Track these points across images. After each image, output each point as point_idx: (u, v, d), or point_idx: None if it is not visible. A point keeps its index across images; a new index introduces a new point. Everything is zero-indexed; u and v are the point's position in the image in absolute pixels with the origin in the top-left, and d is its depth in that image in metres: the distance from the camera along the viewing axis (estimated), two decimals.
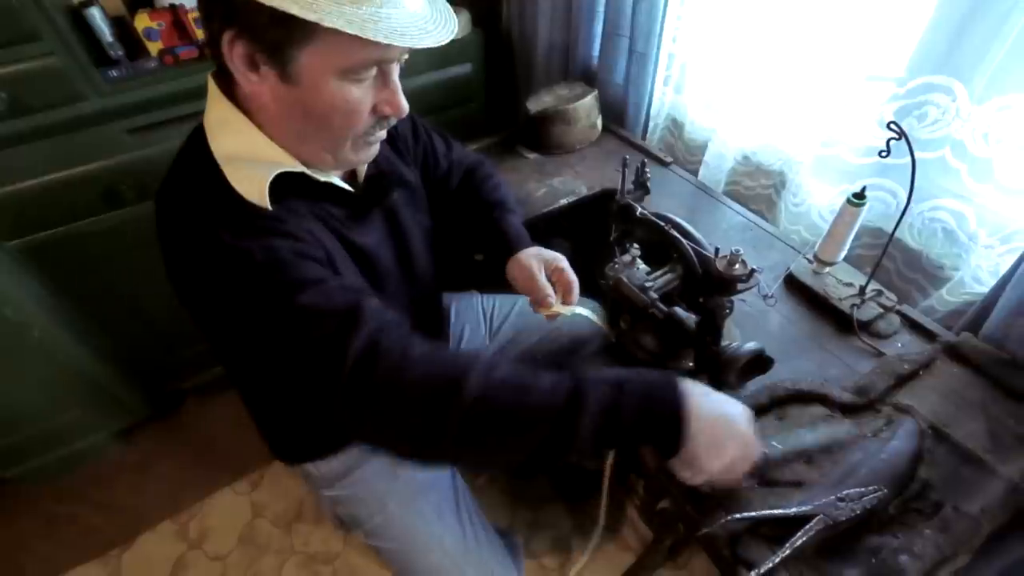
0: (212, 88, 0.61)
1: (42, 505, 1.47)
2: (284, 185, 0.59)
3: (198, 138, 0.61)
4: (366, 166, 0.72)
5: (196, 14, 1.19)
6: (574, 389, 0.52)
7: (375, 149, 0.65)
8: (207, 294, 0.57)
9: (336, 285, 0.56)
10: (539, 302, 0.77)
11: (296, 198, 0.61)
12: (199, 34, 1.20)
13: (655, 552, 1.14)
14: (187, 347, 1.51)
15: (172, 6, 1.19)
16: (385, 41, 0.50)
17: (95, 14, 1.12)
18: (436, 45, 0.54)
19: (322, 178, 0.63)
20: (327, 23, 0.47)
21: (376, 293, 0.70)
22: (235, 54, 0.52)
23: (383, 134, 0.64)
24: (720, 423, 0.55)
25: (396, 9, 0.51)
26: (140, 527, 1.42)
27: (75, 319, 1.30)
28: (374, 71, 0.56)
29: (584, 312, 0.78)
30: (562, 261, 0.80)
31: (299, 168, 0.60)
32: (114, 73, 1.15)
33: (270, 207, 0.57)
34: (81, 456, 1.51)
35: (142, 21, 1.17)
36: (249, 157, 0.59)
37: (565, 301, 0.77)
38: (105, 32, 1.14)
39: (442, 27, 0.55)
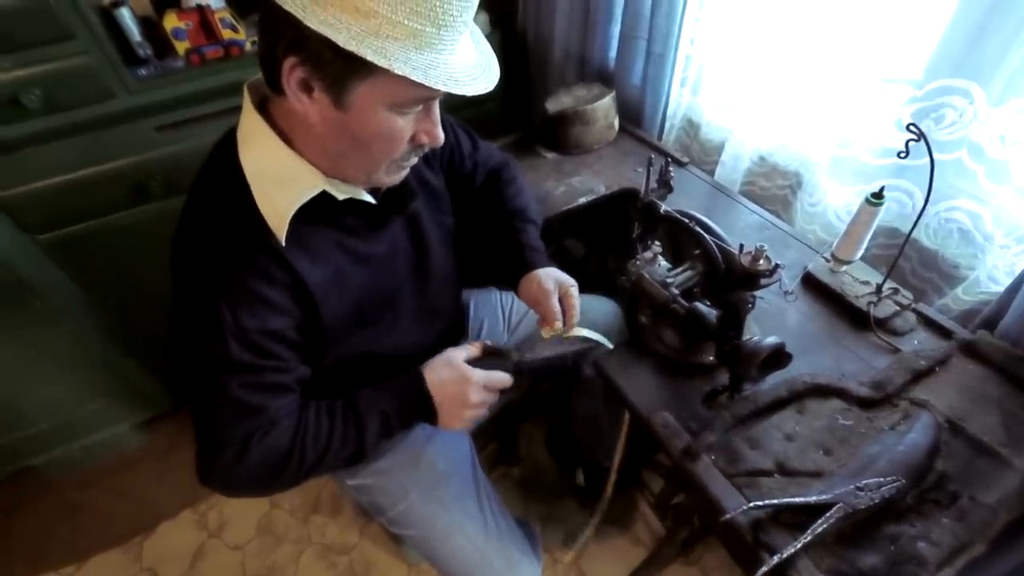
0: (246, 99, 0.63)
1: (66, 493, 1.51)
2: (306, 204, 0.62)
3: (229, 146, 0.64)
4: None
5: (222, 14, 1.22)
6: (358, 441, 0.69)
7: (405, 172, 0.68)
8: (180, 315, 0.64)
9: (269, 375, 0.65)
10: (547, 322, 0.80)
11: (312, 220, 0.64)
12: (225, 34, 1.23)
13: (668, 546, 1.16)
14: None
15: (199, 6, 1.22)
16: (444, 88, 0.53)
17: (125, 14, 1.15)
18: (484, 92, 0.57)
19: (342, 196, 0.66)
20: (396, 70, 0.50)
21: (389, 296, 0.77)
22: (293, 77, 0.54)
23: (415, 160, 0.67)
24: (449, 386, 0.71)
25: (453, 56, 0.55)
26: (161, 516, 1.46)
27: (101, 312, 1.33)
28: (420, 106, 0.59)
29: (589, 335, 0.81)
30: (574, 287, 0.83)
31: (320, 188, 0.63)
32: (143, 72, 1.18)
33: (283, 242, 0.62)
34: (104, 446, 1.54)
35: (170, 21, 1.19)
36: (274, 175, 0.62)
37: (565, 323, 0.80)
38: (134, 32, 1.17)
39: (488, 72, 0.59)
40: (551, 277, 0.83)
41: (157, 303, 1.36)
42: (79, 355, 1.32)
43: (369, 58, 0.49)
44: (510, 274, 0.89)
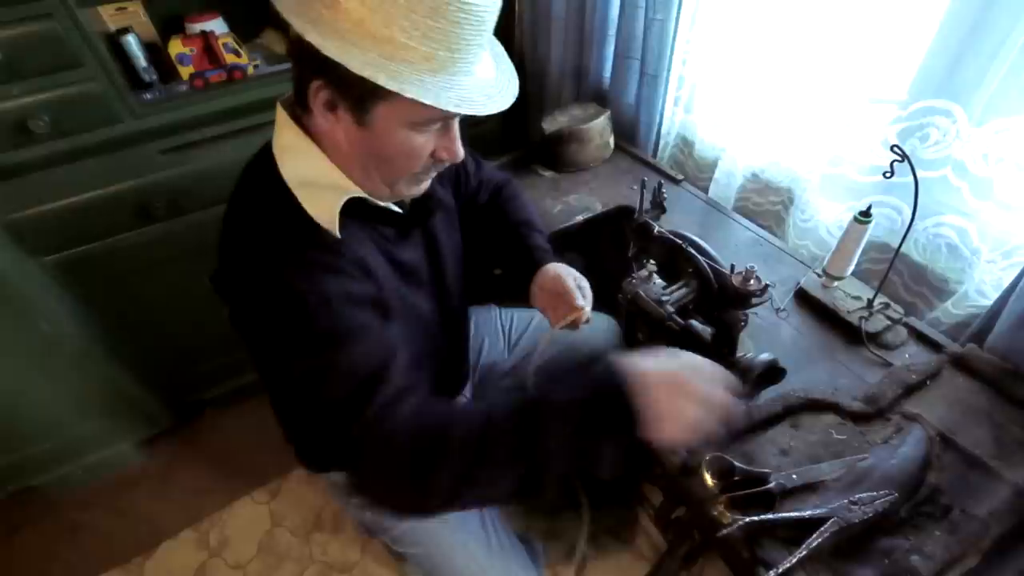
0: (281, 115, 0.65)
1: (67, 512, 1.50)
2: (347, 208, 0.64)
3: (266, 161, 0.66)
4: None
5: (225, 39, 1.25)
6: (535, 419, 0.55)
7: (426, 184, 0.71)
8: (257, 320, 0.62)
9: (373, 339, 0.60)
10: (568, 306, 0.83)
11: (355, 221, 0.66)
12: (228, 59, 1.26)
13: (670, 560, 1.16)
14: (207, 359, 1.54)
15: (203, 32, 1.25)
16: (454, 110, 0.56)
17: (131, 41, 1.18)
18: (498, 111, 0.59)
19: (379, 203, 0.69)
20: (408, 94, 0.52)
21: (414, 306, 0.77)
22: (319, 98, 0.57)
23: (434, 173, 0.70)
24: (671, 387, 0.55)
25: (468, 77, 0.57)
26: (161, 535, 1.45)
27: (104, 332, 1.34)
28: (439, 124, 0.62)
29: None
30: (584, 280, 0.86)
31: (362, 193, 0.66)
32: (148, 96, 1.21)
33: (338, 234, 0.63)
34: (105, 465, 1.54)
35: (175, 47, 1.22)
36: (318, 182, 0.64)
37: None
38: (140, 58, 1.20)
39: (505, 91, 0.61)
40: (563, 269, 0.87)
41: (155, 321, 1.39)
42: (83, 375, 1.34)
43: (381, 83, 0.51)
44: (521, 276, 0.91)
